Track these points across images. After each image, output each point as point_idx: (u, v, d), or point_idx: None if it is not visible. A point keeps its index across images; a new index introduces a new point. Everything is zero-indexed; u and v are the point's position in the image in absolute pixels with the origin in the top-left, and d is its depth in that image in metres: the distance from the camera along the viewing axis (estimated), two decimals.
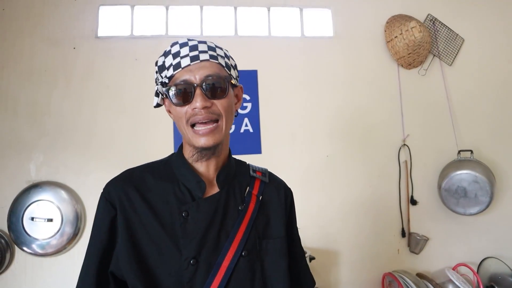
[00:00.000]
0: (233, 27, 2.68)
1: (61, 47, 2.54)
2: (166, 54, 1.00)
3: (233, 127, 2.60)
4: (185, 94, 0.94)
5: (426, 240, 2.67)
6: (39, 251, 2.41)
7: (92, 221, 1.01)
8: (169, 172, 1.04)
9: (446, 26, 2.84)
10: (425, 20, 2.82)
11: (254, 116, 2.62)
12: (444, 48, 2.84)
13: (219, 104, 0.95)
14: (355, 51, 2.76)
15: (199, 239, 0.94)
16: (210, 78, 0.94)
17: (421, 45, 2.65)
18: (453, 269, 2.67)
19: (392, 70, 2.78)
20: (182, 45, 0.97)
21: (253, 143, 2.60)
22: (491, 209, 2.68)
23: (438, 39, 2.82)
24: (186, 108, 0.95)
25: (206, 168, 1.02)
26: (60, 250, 2.42)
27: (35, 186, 2.43)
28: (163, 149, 2.48)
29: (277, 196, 1.11)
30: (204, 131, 0.94)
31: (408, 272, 2.57)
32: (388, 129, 2.73)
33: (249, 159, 2.49)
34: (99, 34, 2.57)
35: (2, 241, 2.38)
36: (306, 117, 2.67)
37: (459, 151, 2.70)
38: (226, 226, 0.98)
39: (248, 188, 1.06)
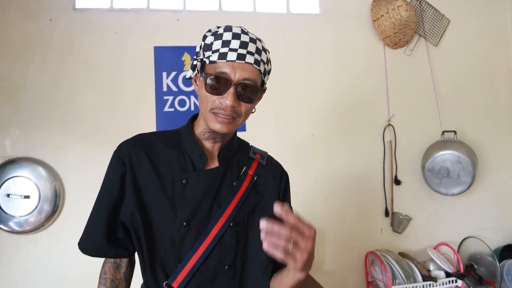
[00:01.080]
0: (217, 1, 2.61)
1: (37, 19, 2.43)
2: (216, 36, 1.02)
3: None
4: (220, 87, 0.99)
5: (409, 220, 2.69)
6: (17, 228, 2.33)
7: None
8: (177, 141, 1.13)
9: (432, 7, 2.82)
10: (411, 0, 2.79)
11: None
12: (430, 29, 2.83)
13: (244, 107, 1.02)
14: (341, 29, 2.72)
15: (194, 205, 1.05)
16: (247, 82, 1.00)
17: (407, 24, 2.63)
18: (435, 248, 2.70)
19: (378, 50, 2.76)
20: (235, 36, 1.01)
21: None
22: (473, 190, 2.71)
23: (424, 19, 2.80)
24: (215, 98, 1.01)
25: (211, 144, 1.11)
26: (38, 227, 2.36)
27: (11, 162, 2.34)
28: (144, 125, 2.44)
29: (273, 179, 1.19)
30: (222, 119, 1.01)
31: (390, 251, 2.58)
32: (373, 109, 2.72)
33: None
34: (77, 6, 2.47)
35: None
36: (290, 95, 2.64)
37: (443, 132, 2.71)
38: (219, 198, 1.08)
39: (245, 167, 1.15)
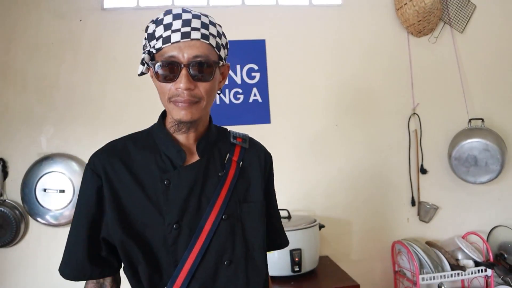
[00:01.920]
0: None
1: (67, 20, 2.53)
2: (157, 22, 0.96)
3: (241, 97, 2.59)
4: (171, 72, 0.93)
5: (436, 209, 2.67)
6: (53, 221, 2.45)
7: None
8: (151, 141, 1.06)
9: None
10: None
11: (262, 86, 2.61)
12: (455, 15, 2.78)
13: (202, 87, 0.95)
14: (364, 19, 2.71)
15: (181, 205, 0.98)
16: (198, 59, 0.92)
17: (432, 12, 2.60)
18: (463, 237, 2.67)
19: (402, 38, 2.74)
20: (175, 16, 0.94)
21: (262, 113, 2.60)
22: (502, 178, 2.67)
23: (449, 6, 2.76)
24: (170, 86, 0.94)
25: (185, 138, 1.04)
26: None
27: (46, 158, 2.46)
28: None
29: (258, 161, 1.13)
30: (183, 105, 0.94)
31: (417, 240, 2.58)
32: (398, 98, 2.71)
33: (259, 128, 2.51)
34: (105, 6, 2.55)
35: (17, 212, 2.42)
36: (315, 86, 2.65)
37: (470, 120, 2.67)
38: (207, 192, 1.02)
39: (228, 154, 1.09)
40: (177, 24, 0.92)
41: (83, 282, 1.04)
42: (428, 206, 2.66)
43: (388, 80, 2.71)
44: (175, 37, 0.91)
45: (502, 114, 2.76)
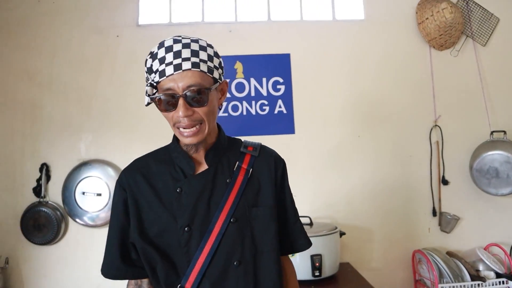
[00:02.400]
0: (266, 12, 2.78)
1: (105, 35, 2.73)
2: (153, 56, 1.05)
3: (267, 108, 2.72)
4: (170, 103, 1.03)
5: (457, 219, 2.71)
6: (90, 222, 2.64)
7: None
8: (167, 156, 1.19)
9: (480, 6, 2.82)
10: (458, 1, 2.81)
11: (287, 98, 2.73)
12: (478, 29, 2.83)
13: (200, 111, 1.05)
14: (386, 33, 2.80)
15: (191, 210, 1.09)
16: (192, 88, 1.01)
17: (453, 26, 2.66)
18: (485, 249, 2.70)
19: (424, 52, 2.81)
20: (167, 49, 1.03)
21: (287, 124, 2.72)
22: None
23: (471, 20, 2.81)
24: (172, 114, 1.05)
25: (196, 152, 1.16)
26: (107, 222, 2.64)
27: (85, 164, 2.65)
28: None
29: (267, 167, 1.20)
30: (188, 134, 1.06)
31: (438, 250, 2.62)
32: (420, 110, 2.77)
33: (283, 139, 2.63)
34: (140, 22, 2.74)
35: (58, 213, 2.62)
36: (338, 98, 2.75)
37: (492, 132, 2.70)
38: (215, 197, 1.11)
39: (237, 163, 1.18)
40: (169, 57, 1.01)
41: (119, 281, 1.17)
42: (449, 217, 2.70)
43: (410, 92, 2.78)
44: (169, 70, 1.01)
45: None
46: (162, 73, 1.01)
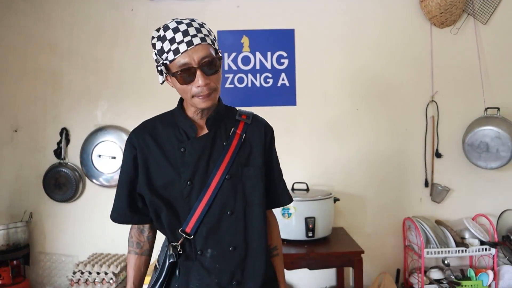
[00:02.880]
0: None
1: (121, 9, 2.91)
2: (162, 39, 1.18)
3: (271, 81, 2.88)
4: (189, 76, 1.17)
5: (448, 190, 2.86)
6: (105, 183, 2.88)
7: None
8: (172, 120, 1.33)
9: None
10: None
11: (290, 71, 2.88)
12: (480, 7, 2.90)
13: (214, 79, 1.20)
14: (388, 10, 2.89)
15: (193, 167, 1.25)
16: (206, 59, 1.16)
17: (454, 4, 2.74)
18: (472, 219, 2.85)
19: (425, 29, 2.90)
20: (174, 30, 1.16)
21: (289, 96, 2.88)
22: None
23: None
24: (190, 87, 1.18)
25: (200, 117, 1.31)
26: None
27: (101, 129, 2.88)
28: None
29: (258, 133, 1.36)
30: (204, 98, 1.20)
31: (427, 218, 2.79)
32: (417, 86, 2.89)
33: (285, 110, 2.79)
34: None
35: (76, 173, 2.87)
36: (338, 72, 2.89)
37: (486, 108, 2.81)
38: (214, 157, 1.27)
39: (233, 128, 1.33)
40: (179, 36, 1.15)
41: (127, 230, 1.38)
42: (440, 188, 2.85)
43: (409, 68, 2.89)
44: (182, 47, 1.14)
45: None
46: (176, 51, 1.14)
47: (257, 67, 2.89)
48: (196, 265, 1.26)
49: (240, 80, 2.88)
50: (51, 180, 2.87)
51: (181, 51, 1.14)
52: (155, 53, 1.22)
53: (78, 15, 2.89)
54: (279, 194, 1.45)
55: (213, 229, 1.25)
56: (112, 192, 2.81)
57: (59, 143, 2.91)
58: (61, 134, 2.90)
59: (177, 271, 1.28)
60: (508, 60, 2.89)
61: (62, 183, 2.86)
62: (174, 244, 1.25)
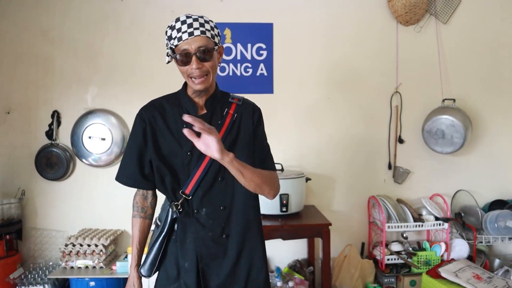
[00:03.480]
0: None
1: (111, 0, 3.08)
2: (172, 28, 1.41)
3: (250, 70, 3.13)
4: (186, 60, 1.40)
5: (408, 173, 3.18)
6: (94, 163, 3.08)
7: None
8: (177, 100, 1.56)
9: None
10: None
11: (268, 62, 3.13)
12: (441, 8, 3.20)
13: (207, 65, 1.42)
14: (360, 8, 3.17)
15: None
16: (201, 48, 1.38)
17: (417, 4, 3.04)
18: (430, 198, 3.18)
19: (392, 27, 3.19)
20: (182, 22, 1.40)
21: (267, 85, 3.14)
22: (466, 150, 3.18)
23: (436, 0, 3.18)
24: (187, 68, 1.40)
25: (200, 99, 1.53)
26: (108, 164, 3.10)
27: (91, 112, 3.07)
28: None
29: (247, 113, 1.59)
30: (198, 82, 1.42)
31: (389, 197, 3.11)
32: (383, 78, 3.19)
33: (263, 97, 3.05)
34: None
35: (67, 153, 3.06)
36: (313, 64, 3.16)
37: (444, 99, 3.13)
38: None
39: (226, 109, 1.56)
40: (184, 28, 1.39)
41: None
42: (402, 170, 3.17)
43: (377, 62, 3.19)
44: (184, 36, 1.38)
45: (474, 97, 3.21)
46: (179, 39, 1.39)
47: (238, 57, 3.13)
48: (193, 221, 1.51)
49: (222, 69, 3.12)
50: (43, 160, 3.04)
51: (183, 39, 1.39)
52: (166, 39, 1.45)
53: (70, 4, 3.05)
54: (264, 162, 1.63)
55: (207, 192, 1.49)
56: (101, 171, 3.10)
57: (50, 125, 3.08)
58: (52, 116, 3.08)
59: (176, 226, 1.52)
60: (464, 56, 3.22)
61: (54, 163, 3.04)
62: (176, 203, 1.49)
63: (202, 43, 1.40)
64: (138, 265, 1.57)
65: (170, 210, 1.50)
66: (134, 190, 1.61)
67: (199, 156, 1.49)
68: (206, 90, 1.50)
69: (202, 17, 1.45)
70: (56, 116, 3.08)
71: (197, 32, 1.40)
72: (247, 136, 1.58)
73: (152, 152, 1.52)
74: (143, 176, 1.54)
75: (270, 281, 2.75)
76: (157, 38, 3.05)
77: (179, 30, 1.41)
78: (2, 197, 3.01)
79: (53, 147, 3.05)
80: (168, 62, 1.49)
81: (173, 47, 1.43)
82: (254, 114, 1.62)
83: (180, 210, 1.49)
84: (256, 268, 1.57)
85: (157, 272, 1.59)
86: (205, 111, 1.55)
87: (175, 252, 1.54)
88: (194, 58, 1.40)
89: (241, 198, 1.55)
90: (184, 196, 1.49)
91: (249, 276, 1.56)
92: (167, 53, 1.46)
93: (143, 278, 1.58)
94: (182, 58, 1.41)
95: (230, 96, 1.63)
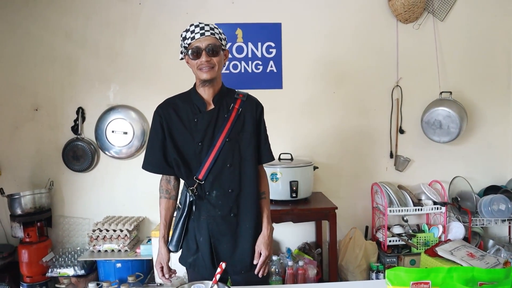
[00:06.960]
0: None
1: (129, 2, 3.30)
2: (187, 31, 1.68)
3: (261, 67, 3.36)
4: (197, 54, 1.65)
5: (409, 161, 3.41)
6: (116, 155, 3.33)
7: None
8: (189, 97, 1.79)
9: None
10: None
11: (277, 59, 3.36)
12: (438, 6, 3.41)
13: (215, 59, 1.67)
14: (362, 8, 3.38)
15: (203, 132, 1.72)
16: (210, 45, 1.65)
17: (416, 3, 3.25)
18: (429, 184, 3.42)
19: (392, 25, 3.40)
20: (195, 26, 1.67)
21: (276, 81, 3.37)
22: (463, 140, 3.40)
23: None
24: (197, 61, 1.66)
25: (207, 95, 1.75)
26: (130, 156, 3.34)
27: (113, 108, 3.31)
28: None
29: (251, 108, 1.81)
30: (206, 71, 1.66)
31: (391, 184, 3.35)
32: (385, 73, 3.41)
33: (273, 92, 3.28)
34: None
35: (92, 146, 3.31)
36: (319, 60, 3.38)
37: (441, 92, 3.35)
38: (218, 125, 1.73)
39: (232, 104, 1.78)
40: (197, 30, 1.66)
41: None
42: (402, 159, 3.40)
43: (378, 57, 3.40)
44: (197, 36, 1.65)
45: (470, 89, 3.43)
46: (193, 38, 1.66)
47: (249, 55, 3.36)
48: (205, 203, 1.76)
49: (235, 67, 3.35)
50: (69, 153, 3.29)
51: (196, 38, 1.67)
52: (181, 40, 1.71)
53: (92, 8, 3.28)
54: (263, 154, 1.89)
55: (217, 177, 1.73)
56: (123, 163, 3.38)
57: (75, 121, 3.32)
58: (77, 112, 3.32)
59: (193, 207, 1.77)
60: (460, 51, 3.44)
61: (80, 155, 3.29)
62: (191, 188, 1.73)
63: (211, 42, 1.67)
64: (164, 236, 1.82)
65: (187, 194, 1.74)
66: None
67: (209, 145, 1.73)
68: (212, 81, 1.72)
69: (212, 24, 1.73)
70: (80, 112, 3.32)
71: (207, 33, 1.67)
72: (251, 128, 1.81)
73: (169, 144, 1.76)
74: (167, 163, 1.78)
75: (282, 261, 3.03)
76: (172, 38, 3.24)
77: (192, 31, 1.68)
78: (33, 187, 3.26)
79: (79, 141, 3.30)
80: (181, 58, 1.75)
81: (187, 45, 1.69)
82: (257, 110, 1.85)
83: (196, 193, 1.73)
84: (252, 240, 1.81)
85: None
86: (213, 106, 1.77)
87: (194, 229, 1.79)
88: (204, 52, 1.66)
89: (248, 182, 1.79)
90: (197, 181, 1.73)
91: (251, 248, 1.81)
92: (181, 51, 1.73)
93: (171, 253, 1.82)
94: (194, 52, 1.66)
95: (235, 93, 1.85)
